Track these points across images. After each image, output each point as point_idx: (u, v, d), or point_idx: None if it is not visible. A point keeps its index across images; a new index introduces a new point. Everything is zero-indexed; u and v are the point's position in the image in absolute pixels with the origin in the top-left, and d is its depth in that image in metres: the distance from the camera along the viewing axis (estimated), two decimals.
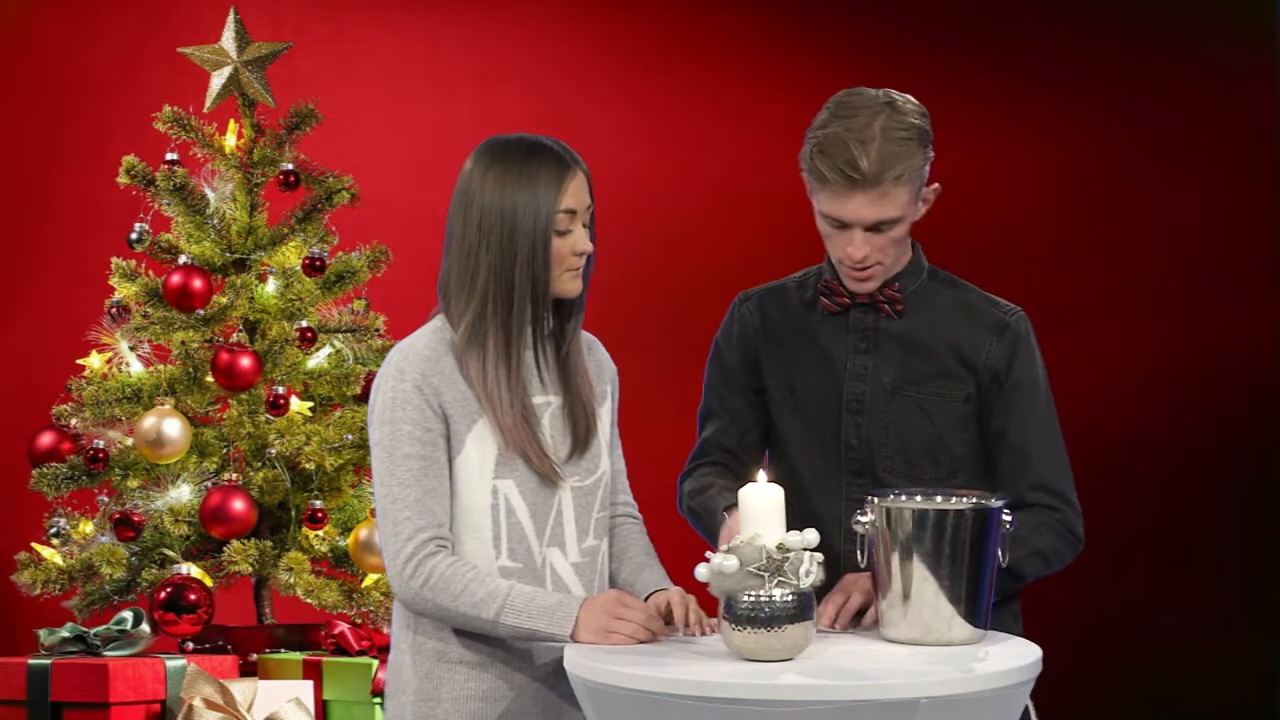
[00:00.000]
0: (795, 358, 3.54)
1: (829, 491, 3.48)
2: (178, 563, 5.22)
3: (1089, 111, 6.50)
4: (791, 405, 3.52)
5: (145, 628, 4.96)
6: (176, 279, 5.33)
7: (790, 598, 2.95)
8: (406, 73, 6.48)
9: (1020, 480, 3.45)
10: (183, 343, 5.38)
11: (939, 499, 3.14)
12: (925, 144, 3.40)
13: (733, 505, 3.42)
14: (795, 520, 3.21)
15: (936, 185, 3.46)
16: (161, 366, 5.42)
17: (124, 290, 5.43)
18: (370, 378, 5.42)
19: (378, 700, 4.96)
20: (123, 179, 5.45)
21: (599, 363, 3.42)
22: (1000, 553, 3.15)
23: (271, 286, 5.45)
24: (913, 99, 3.44)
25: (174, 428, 5.29)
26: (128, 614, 4.98)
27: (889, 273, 3.48)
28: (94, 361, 5.42)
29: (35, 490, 5.35)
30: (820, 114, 3.42)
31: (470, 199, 3.25)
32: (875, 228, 3.39)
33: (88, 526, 5.34)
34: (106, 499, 5.38)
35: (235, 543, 5.22)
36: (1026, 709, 3.48)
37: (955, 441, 3.47)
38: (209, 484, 5.32)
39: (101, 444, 5.33)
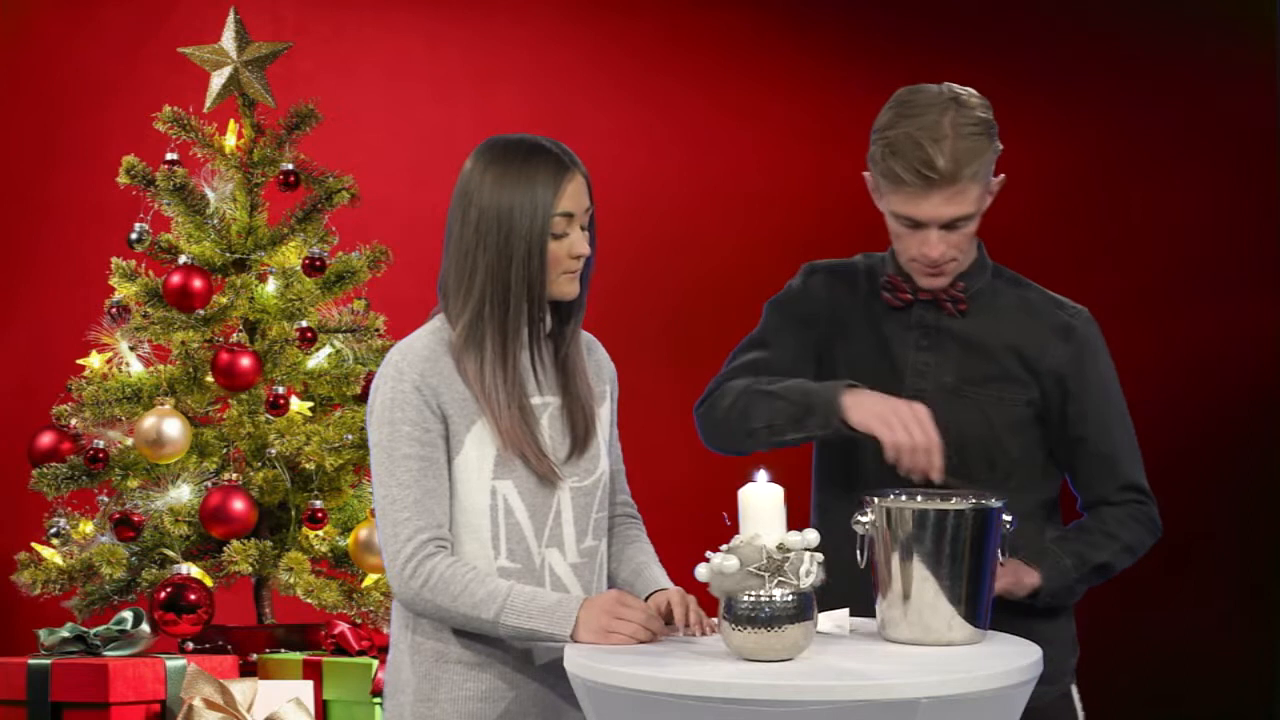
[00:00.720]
0: (857, 343, 3.49)
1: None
2: (178, 563, 5.22)
3: (1089, 111, 6.49)
4: None
5: (145, 628, 4.96)
6: (176, 279, 5.33)
7: (790, 598, 2.95)
8: (406, 73, 6.47)
9: (1107, 484, 3.47)
10: (183, 343, 5.38)
11: (939, 499, 3.13)
12: (993, 137, 3.36)
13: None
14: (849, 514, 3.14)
15: (1002, 176, 3.42)
16: (161, 366, 5.42)
17: (124, 290, 5.43)
18: (370, 378, 5.42)
19: (378, 700, 4.95)
20: (123, 179, 5.45)
21: (598, 363, 3.42)
22: (1000, 552, 3.15)
23: (271, 286, 5.45)
24: (975, 91, 3.39)
25: (174, 428, 5.28)
26: (128, 614, 4.98)
27: (959, 268, 3.45)
28: (94, 361, 5.42)
29: (35, 490, 5.35)
30: (884, 114, 3.37)
31: (469, 199, 3.25)
32: (950, 225, 3.35)
33: (88, 526, 5.33)
34: (106, 499, 5.38)
35: (235, 543, 5.22)
36: (1074, 707, 3.49)
37: (1013, 445, 3.44)
38: (209, 484, 5.32)
39: (101, 444, 5.33)
